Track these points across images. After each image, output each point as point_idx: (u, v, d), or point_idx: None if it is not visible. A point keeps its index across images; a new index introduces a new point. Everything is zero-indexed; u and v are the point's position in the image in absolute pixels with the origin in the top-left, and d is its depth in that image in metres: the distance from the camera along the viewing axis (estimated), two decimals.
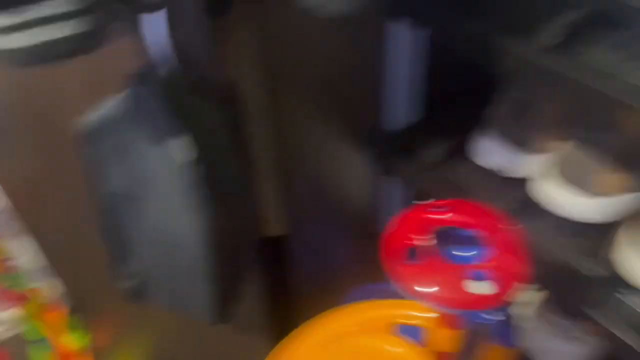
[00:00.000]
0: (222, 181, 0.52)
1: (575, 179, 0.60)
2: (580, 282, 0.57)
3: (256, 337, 0.85)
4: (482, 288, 0.38)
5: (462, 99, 0.81)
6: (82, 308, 1.09)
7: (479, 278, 0.38)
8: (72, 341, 1.10)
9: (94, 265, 0.86)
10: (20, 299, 0.95)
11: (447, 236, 0.42)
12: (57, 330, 1.09)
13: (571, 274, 0.58)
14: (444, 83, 0.81)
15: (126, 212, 0.57)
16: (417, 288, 0.39)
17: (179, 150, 0.47)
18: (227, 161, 0.53)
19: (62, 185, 0.73)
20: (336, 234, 0.89)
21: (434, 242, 0.41)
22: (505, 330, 0.59)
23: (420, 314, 0.51)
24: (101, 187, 0.55)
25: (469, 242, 0.44)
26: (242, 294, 0.65)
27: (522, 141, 0.66)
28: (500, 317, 0.58)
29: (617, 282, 0.56)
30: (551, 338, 0.70)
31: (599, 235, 0.60)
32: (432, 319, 0.49)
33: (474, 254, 0.43)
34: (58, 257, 0.95)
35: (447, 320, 0.46)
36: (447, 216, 0.40)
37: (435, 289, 0.38)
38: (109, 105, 0.51)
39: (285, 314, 0.88)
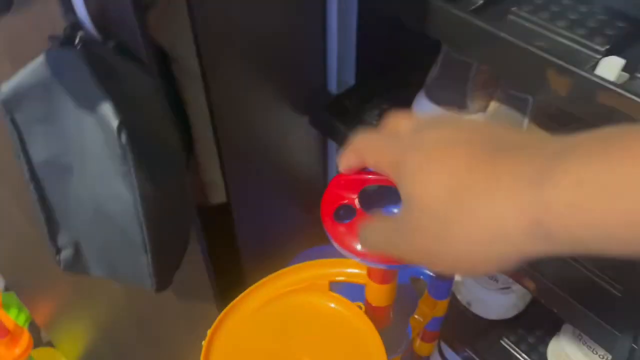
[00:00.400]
0: (154, 148, 0.51)
1: None
2: None
3: (203, 304, 0.85)
4: None
5: (400, 61, 0.82)
6: (16, 285, 1.06)
7: None
8: (8, 319, 1.07)
9: (27, 241, 0.84)
10: None
11: (376, 195, 0.43)
12: None
13: None
14: (382, 46, 0.82)
15: (56, 182, 0.55)
16: (350, 246, 0.40)
17: (105, 116, 0.46)
18: (158, 128, 0.52)
19: None
20: (280, 198, 0.90)
21: (363, 200, 0.42)
22: (438, 283, 0.62)
23: (355, 271, 0.53)
24: (28, 157, 0.53)
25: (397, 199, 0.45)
26: (181, 261, 0.64)
27: (456, 103, 0.68)
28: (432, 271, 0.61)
29: None
30: (482, 289, 0.73)
31: None
32: (366, 275, 0.51)
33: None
34: None
35: (380, 276, 0.48)
36: (376, 176, 0.41)
37: None
38: (30, 71, 0.48)
39: (232, 280, 0.89)
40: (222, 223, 0.82)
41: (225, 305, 0.89)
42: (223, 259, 0.83)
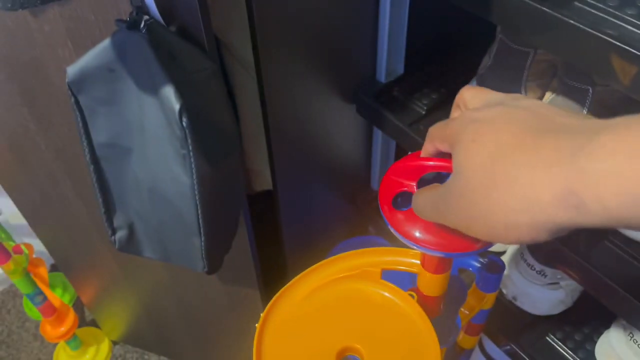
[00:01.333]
0: (211, 131, 0.52)
1: None
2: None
3: (246, 288, 0.87)
4: None
5: (450, 51, 0.81)
6: (64, 266, 1.09)
7: None
8: (55, 298, 1.11)
9: (77, 221, 0.86)
10: (6, 253, 0.95)
11: (435, 182, 0.43)
12: (44, 286, 1.09)
13: None
14: (432, 35, 0.81)
15: (115, 163, 0.56)
16: (409, 233, 0.40)
17: (167, 99, 0.47)
18: (216, 111, 0.53)
19: (48, 139, 0.72)
20: (323, 187, 0.90)
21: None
22: (487, 276, 0.61)
23: (408, 260, 0.53)
24: (89, 139, 0.54)
25: None
26: (231, 245, 0.65)
27: (510, 91, 0.67)
28: (483, 262, 0.60)
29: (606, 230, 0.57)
30: (529, 284, 0.72)
31: None
32: (418, 264, 0.51)
33: None
34: (38, 215, 0.94)
35: (434, 265, 0.48)
36: (439, 163, 0.40)
37: (430, 233, 0.39)
38: (95, 53, 0.49)
39: (274, 266, 0.90)
40: (266, 210, 0.83)
41: (267, 291, 0.90)
42: (267, 245, 0.84)
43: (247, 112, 0.66)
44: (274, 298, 0.51)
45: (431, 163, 0.41)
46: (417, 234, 0.40)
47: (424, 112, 0.73)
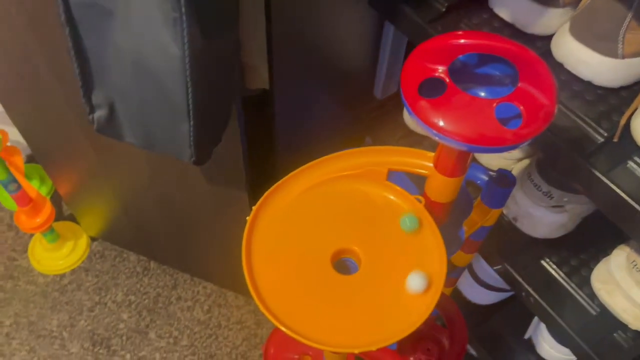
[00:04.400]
0: (205, 5, 0.45)
1: (601, 38, 0.54)
2: (586, 146, 0.54)
3: (233, 190, 0.82)
4: (511, 123, 0.34)
5: None
6: (41, 156, 1.03)
7: (506, 113, 0.34)
8: (31, 188, 1.05)
9: (54, 105, 0.79)
10: None
11: (471, 66, 0.37)
12: (19, 175, 1.03)
13: (578, 137, 0.55)
14: None
15: (95, 27, 0.49)
16: (436, 124, 0.35)
17: None
18: None
19: (24, 11, 0.63)
20: (324, 90, 0.84)
21: (455, 72, 0.36)
22: (495, 190, 0.57)
23: (417, 161, 0.48)
24: None
25: (487, 79, 0.39)
26: (221, 137, 0.60)
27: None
28: (492, 175, 0.56)
29: (630, 149, 0.53)
30: (532, 205, 0.69)
31: (619, 100, 0.56)
32: (429, 166, 0.46)
33: (499, 88, 0.38)
34: (13, 99, 0.87)
35: (450, 167, 0.43)
36: (478, 41, 0.34)
37: (465, 124, 0.34)
38: None
39: (265, 170, 0.85)
40: (261, 109, 0.77)
41: (255, 195, 0.86)
42: (258, 147, 0.78)
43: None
44: (269, 190, 0.46)
45: (467, 41, 0.35)
46: (444, 124, 0.35)
47: (443, 10, 0.65)
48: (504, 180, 0.57)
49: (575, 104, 0.57)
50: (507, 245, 0.74)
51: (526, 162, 0.75)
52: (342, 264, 0.45)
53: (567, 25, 0.58)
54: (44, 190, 1.28)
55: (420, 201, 0.46)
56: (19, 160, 1.11)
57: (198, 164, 0.56)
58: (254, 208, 0.46)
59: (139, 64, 0.49)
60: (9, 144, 1.16)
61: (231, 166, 0.75)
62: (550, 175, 0.68)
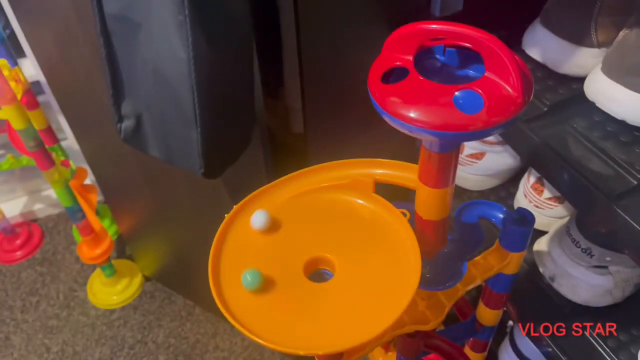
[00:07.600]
0: (217, 10, 0.48)
1: (633, 73, 0.51)
2: (618, 190, 0.49)
3: None
4: (471, 109, 0.32)
5: None
6: (108, 198, 1.12)
7: (467, 99, 0.32)
8: (96, 220, 1.13)
9: (123, 160, 0.86)
10: (51, 161, 0.97)
11: (436, 55, 0.36)
12: (87, 208, 1.12)
13: (611, 179, 0.50)
14: None
15: (125, 40, 0.54)
16: (394, 110, 0.33)
17: None
18: None
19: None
20: (354, 125, 0.83)
21: (420, 61, 0.35)
22: (513, 229, 0.52)
23: (403, 174, 0.46)
24: (100, 5, 0.52)
25: (465, 80, 0.37)
26: (238, 156, 0.61)
27: (577, 34, 0.57)
28: (510, 213, 0.51)
29: None
30: (569, 262, 0.62)
31: None
32: (417, 179, 0.44)
33: (461, 75, 0.36)
34: (88, 142, 0.96)
35: (433, 177, 0.41)
36: (445, 27, 0.33)
37: (422, 108, 0.33)
38: None
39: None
40: (293, 148, 0.78)
41: None
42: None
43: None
44: (250, 195, 0.46)
45: (435, 27, 0.34)
46: (407, 112, 0.33)
47: None
48: (522, 219, 0.52)
49: (608, 145, 0.53)
50: (546, 311, 0.66)
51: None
52: (319, 276, 0.43)
53: (599, 64, 0.55)
54: (111, 230, 1.36)
55: (405, 215, 0.43)
56: (94, 198, 1.20)
57: (207, 176, 0.57)
58: (234, 207, 0.45)
59: (157, 72, 0.52)
60: (89, 182, 1.27)
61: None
62: (590, 230, 0.61)
